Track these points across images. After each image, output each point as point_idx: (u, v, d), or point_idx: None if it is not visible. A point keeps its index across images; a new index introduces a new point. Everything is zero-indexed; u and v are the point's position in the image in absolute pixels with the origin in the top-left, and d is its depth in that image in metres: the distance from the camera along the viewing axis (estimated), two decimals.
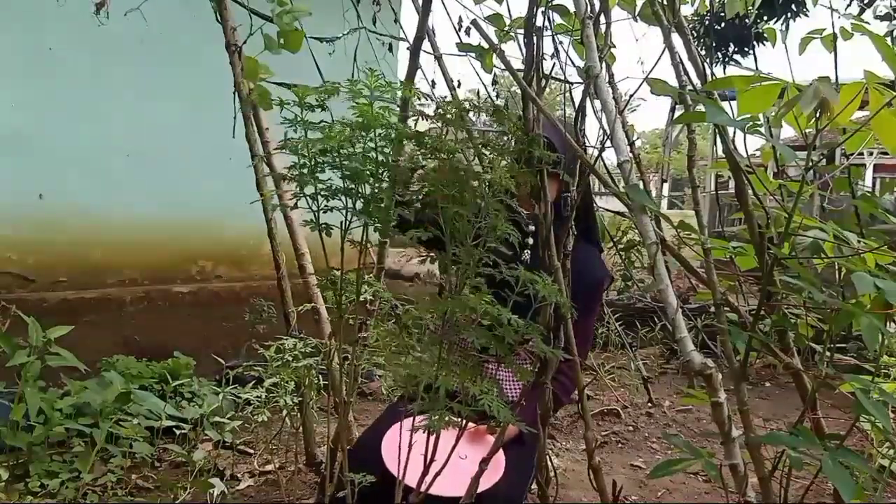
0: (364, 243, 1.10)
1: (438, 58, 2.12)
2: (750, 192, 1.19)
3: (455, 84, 2.18)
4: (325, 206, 1.09)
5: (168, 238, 3.66)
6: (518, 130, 1.20)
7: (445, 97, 1.21)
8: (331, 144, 1.03)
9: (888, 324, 1.19)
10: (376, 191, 1.08)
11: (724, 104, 1.11)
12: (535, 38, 1.28)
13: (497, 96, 4.51)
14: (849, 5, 5.27)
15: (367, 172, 1.05)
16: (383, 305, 1.75)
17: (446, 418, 1.07)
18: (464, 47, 1.81)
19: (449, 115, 1.13)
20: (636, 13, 1.64)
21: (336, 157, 1.05)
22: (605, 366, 4.17)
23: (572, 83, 1.44)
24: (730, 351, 1.11)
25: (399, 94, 1.15)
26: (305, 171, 1.07)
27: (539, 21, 1.30)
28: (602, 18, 1.31)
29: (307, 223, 1.10)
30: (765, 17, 6.65)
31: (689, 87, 1.28)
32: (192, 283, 3.80)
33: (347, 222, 1.09)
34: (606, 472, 1.39)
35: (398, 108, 1.59)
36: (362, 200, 1.08)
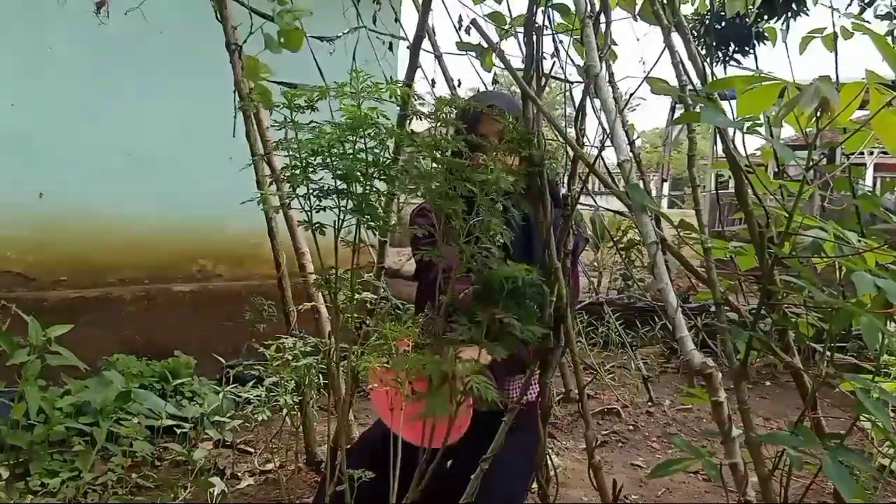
0: (357, 242, 1.10)
1: (438, 57, 2.13)
2: (750, 191, 1.19)
3: (455, 83, 2.18)
4: (318, 205, 1.09)
5: (168, 237, 3.65)
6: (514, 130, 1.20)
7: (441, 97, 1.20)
8: (321, 145, 1.03)
9: (888, 323, 1.19)
10: (368, 190, 1.08)
11: (725, 104, 1.11)
12: (534, 36, 1.28)
13: None
14: (849, 4, 5.26)
15: (358, 172, 1.05)
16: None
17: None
18: (464, 46, 1.81)
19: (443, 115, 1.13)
20: (636, 12, 1.64)
21: (327, 158, 1.05)
22: (606, 365, 4.17)
23: (572, 82, 1.44)
24: (730, 350, 1.11)
25: (394, 92, 1.15)
26: (298, 171, 1.06)
27: (539, 20, 1.30)
28: (602, 18, 1.31)
29: (301, 223, 1.10)
30: (765, 17, 6.64)
31: (689, 87, 1.28)
32: (193, 283, 3.80)
33: (340, 222, 1.08)
34: (607, 472, 1.38)
35: (397, 108, 1.59)
36: (354, 200, 1.07)
